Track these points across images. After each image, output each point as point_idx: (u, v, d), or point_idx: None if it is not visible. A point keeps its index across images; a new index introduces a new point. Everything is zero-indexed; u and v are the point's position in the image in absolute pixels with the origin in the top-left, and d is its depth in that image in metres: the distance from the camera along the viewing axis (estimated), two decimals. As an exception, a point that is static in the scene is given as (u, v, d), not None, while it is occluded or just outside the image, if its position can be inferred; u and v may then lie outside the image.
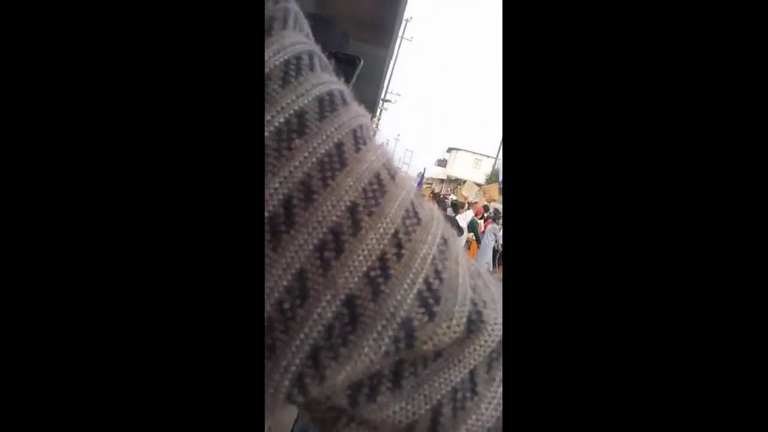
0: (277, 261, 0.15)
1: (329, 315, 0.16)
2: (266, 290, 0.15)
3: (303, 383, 0.16)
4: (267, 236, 0.16)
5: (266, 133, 0.16)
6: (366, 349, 0.16)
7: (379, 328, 0.16)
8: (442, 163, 34.32)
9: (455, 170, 29.36)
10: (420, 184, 6.76)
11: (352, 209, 0.16)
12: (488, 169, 26.57)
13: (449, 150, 33.77)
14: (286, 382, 0.16)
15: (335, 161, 0.17)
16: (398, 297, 0.16)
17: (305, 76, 0.17)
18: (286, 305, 0.15)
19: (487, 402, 0.18)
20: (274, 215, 0.15)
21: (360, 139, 0.18)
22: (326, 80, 0.18)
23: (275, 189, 0.15)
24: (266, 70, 0.17)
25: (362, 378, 0.17)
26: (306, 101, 0.17)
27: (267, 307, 0.15)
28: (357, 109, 0.19)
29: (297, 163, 0.16)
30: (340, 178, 0.16)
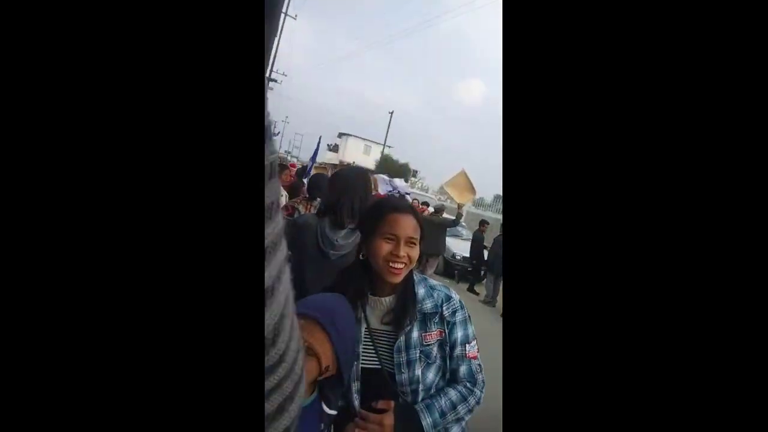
0: None
1: None
2: None
3: None
4: None
5: None
6: None
7: None
8: (333, 148, 34.06)
9: (347, 155, 29.51)
10: (314, 157, 6.37)
11: None
12: (377, 156, 27.29)
13: (340, 135, 33.65)
14: None
15: None
16: None
17: None
18: None
19: None
20: None
21: None
22: None
23: None
24: None
25: None
26: None
27: None
28: None
29: None
30: None
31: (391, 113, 25.79)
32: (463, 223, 6.24)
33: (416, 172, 26.87)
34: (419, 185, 18.33)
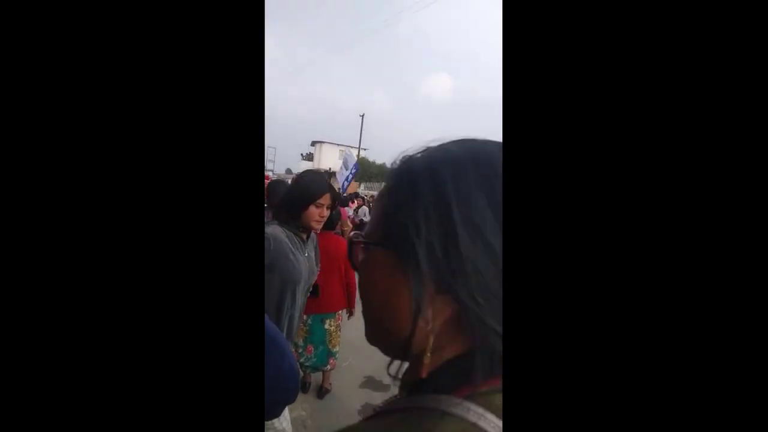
0: None
1: None
2: None
3: None
4: None
5: None
6: None
7: None
8: (308, 156, 33.59)
9: (322, 162, 29.19)
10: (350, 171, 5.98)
11: None
12: (353, 160, 26.84)
13: (314, 143, 33.22)
14: None
15: None
16: None
17: None
18: None
19: None
20: None
21: None
22: None
23: None
24: None
25: None
26: None
27: None
28: None
29: None
30: None
31: (362, 116, 25.50)
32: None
33: (394, 171, 26.25)
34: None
